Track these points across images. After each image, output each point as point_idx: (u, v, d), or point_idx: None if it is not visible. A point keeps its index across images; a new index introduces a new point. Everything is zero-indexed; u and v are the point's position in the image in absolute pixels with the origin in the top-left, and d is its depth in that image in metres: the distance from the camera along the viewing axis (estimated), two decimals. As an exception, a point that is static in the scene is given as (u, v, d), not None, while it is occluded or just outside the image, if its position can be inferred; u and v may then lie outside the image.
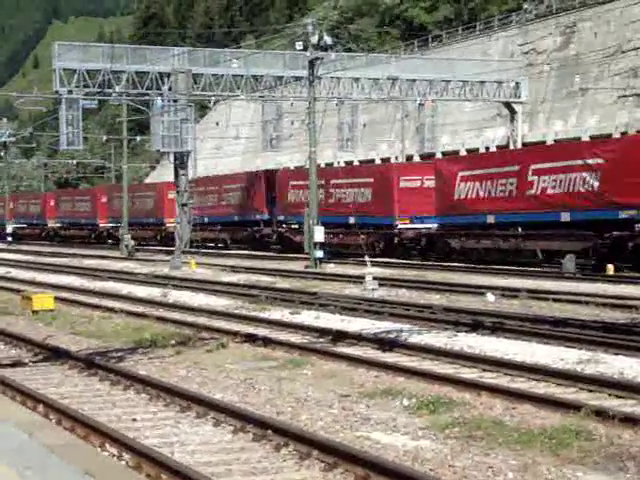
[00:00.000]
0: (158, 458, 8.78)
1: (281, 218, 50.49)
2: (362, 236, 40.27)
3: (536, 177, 34.71)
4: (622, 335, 15.83)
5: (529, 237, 35.29)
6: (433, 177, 41.10)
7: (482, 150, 58.94)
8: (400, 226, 42.01)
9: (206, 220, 55.93)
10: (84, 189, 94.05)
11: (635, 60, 53.34)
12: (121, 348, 16.60)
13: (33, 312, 22.36)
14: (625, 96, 52.72)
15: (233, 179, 58.89)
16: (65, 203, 78.84)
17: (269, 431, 9.84)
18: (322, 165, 59.87)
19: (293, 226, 49.07)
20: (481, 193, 37.58)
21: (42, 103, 68.58)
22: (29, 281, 33.57)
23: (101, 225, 71.88)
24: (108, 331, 19.03)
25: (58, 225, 79.72)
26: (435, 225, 40.70)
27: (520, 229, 35.52)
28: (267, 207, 52.18)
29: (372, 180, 44.06)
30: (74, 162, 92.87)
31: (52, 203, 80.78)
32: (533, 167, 34.93)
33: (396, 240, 42.29)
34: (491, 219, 37.01)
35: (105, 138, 74.12)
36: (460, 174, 38.82)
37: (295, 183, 49.32)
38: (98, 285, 31.00)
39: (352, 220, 43.25)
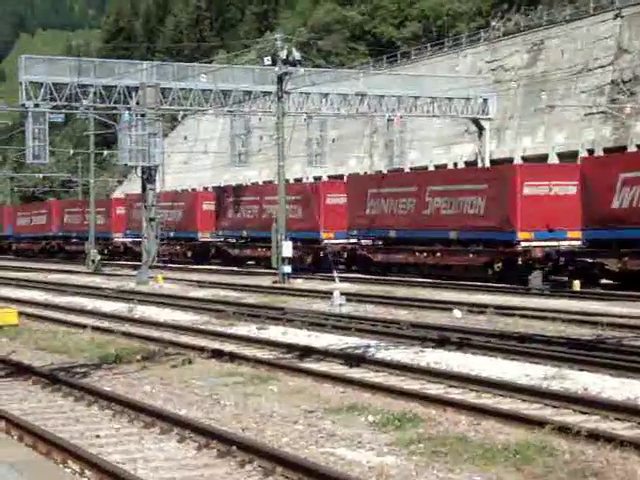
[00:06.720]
0: (121, 475, 8.70)
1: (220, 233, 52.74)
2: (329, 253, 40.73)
3: (431, 198, 37.36)
4: (587, 351, 15.92)
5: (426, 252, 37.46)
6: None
7: (450, 166, 59.25)
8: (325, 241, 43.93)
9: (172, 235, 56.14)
10: (38, 203, 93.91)
11: (601, 78, 53.85)
12: (85, 364, 16.44)
13: (-4, 327, 22.12)
14: (591, 114, 53.18)
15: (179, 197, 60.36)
16: (23, 218, 79.10)
17: (234, 447, 9.78)
18: (291, 180, 59.93)
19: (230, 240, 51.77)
20: (386, 210, 40.05)
21: (8, 116, 68.21)
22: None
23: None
24: (73, 346, 18.84)
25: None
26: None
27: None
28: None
29: (301, 197, 44.82)
30: (40, 176, 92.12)
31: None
32: (430, 189, 37.45)
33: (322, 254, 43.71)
34: (393, 234, 39.40)
35: (72, 152, 73.69)
36: (370, 191, 41.05)
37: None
38: (63, 300, 30.74)
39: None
